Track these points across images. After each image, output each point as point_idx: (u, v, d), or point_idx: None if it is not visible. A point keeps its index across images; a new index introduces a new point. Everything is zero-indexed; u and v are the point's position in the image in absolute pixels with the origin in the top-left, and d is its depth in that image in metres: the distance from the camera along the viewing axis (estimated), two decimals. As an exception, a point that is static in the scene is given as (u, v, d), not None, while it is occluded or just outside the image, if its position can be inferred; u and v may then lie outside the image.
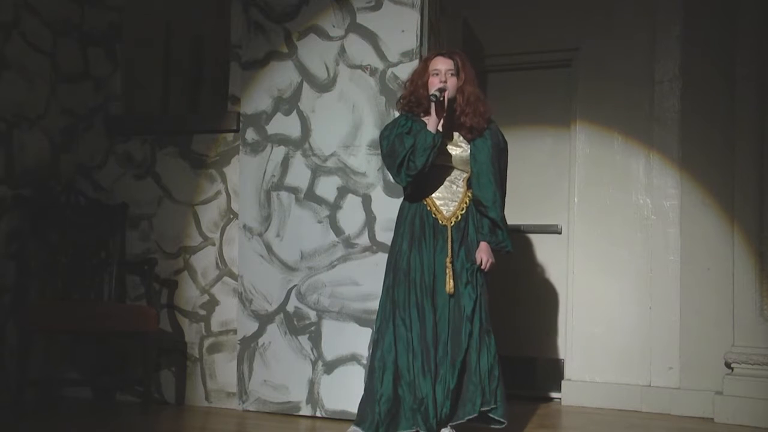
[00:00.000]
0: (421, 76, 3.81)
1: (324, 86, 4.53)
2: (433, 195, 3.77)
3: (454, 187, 3.79)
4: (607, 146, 5.29)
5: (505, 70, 5.75)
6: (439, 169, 3.74)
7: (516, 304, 5.57)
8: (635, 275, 5.15)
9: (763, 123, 4.76)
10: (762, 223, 4.73)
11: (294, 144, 4.57)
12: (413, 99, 3.82)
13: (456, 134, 3.79)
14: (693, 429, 4.50)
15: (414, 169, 3.65)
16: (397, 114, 4.03)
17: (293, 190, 4.56)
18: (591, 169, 5.32)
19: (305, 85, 4.57)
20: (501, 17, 5.62)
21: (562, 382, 5.29)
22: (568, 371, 5.28)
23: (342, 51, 4.50)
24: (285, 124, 4.60)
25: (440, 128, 3.66)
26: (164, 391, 4.83)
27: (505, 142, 3.90)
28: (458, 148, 3.78)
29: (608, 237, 5.24)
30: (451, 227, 3.74)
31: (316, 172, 4.52)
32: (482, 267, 3.70)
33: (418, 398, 3.60)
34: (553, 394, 5.42)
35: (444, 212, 3.76)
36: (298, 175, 4.55)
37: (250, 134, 4.66)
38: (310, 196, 4.52)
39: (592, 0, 5.39)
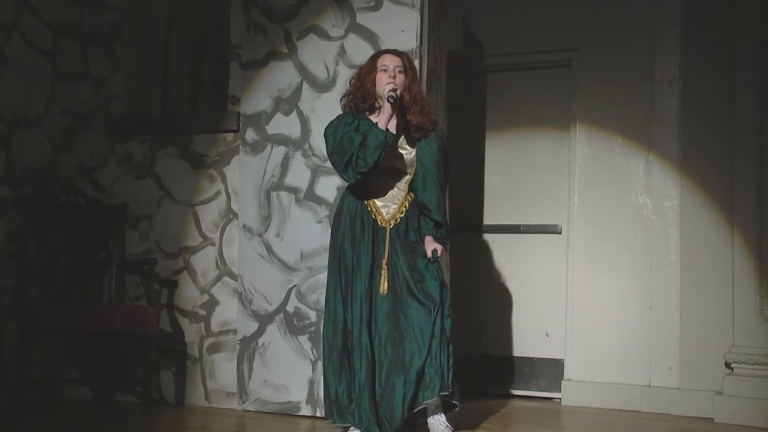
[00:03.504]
0: (369, 72, 3.82)
1: (324, 86, 4.53)
2: (374, 196, 3.79)
3: (396, 190, 3.81)
4: (606, 146, 5.29)
5: (505, 70, 5.75)
6: (382, 170, 3.74)
7: (516, 304, 5.57)
8: (635, 275, 5.15)
9: (763, 123, 4.76)
10: (762, 223, 4.73)
11: (294, 144, 4.57)
12: (359, 95, 3.82)
13: (401, 136, 3.81)
14: (693, 429, 4.50)
15: (365, 166, 3.64)
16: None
17: (293, 190, 4.56)
18: (591, 169, 5.32)
19: (305, 85, 4.57)
20: (501, 17, 5.63)
21: (562, 382, 5.28)
22: (568, 371, 5.28)
23: (342, 51, 4.50)
24: (285, 124, 4.60)
25: (391, 128, 3.66)
26: (164, 391, 4.83)
27: (448, 143, 3.94)
28: (403, 150, 3.80)
29: (608, 237, 5.24)
30: (390, 229, 3.76)
31: (316, 172, 4.52)
32: (439, 255, 3.73)
33: (354, 399, 3.68)
34: (553, 394, 5.42)
35: (384, 214, 3.78)
36: (298, 175, 4.55)
37: (250, 134, 4.66)
38: (309, 196, 4.53)
39: (592, 0, 5.40)
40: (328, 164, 4.48)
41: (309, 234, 4.50)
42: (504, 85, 5.75)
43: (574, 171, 5.36)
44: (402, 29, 4.37)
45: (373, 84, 3.78)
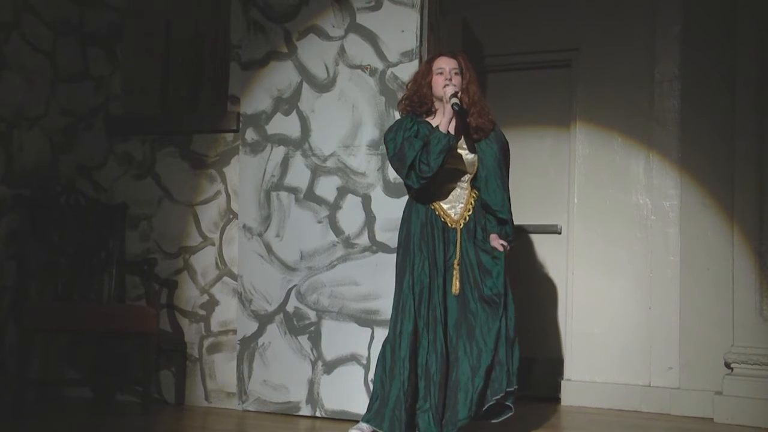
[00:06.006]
0: (424, 76, 3.81)
1: (324, 86, 4.53)
2: (439, 199, 3.78)
3: (458, 189, 3.80)
4: (607, 146, 5.29)
5: (505, 70, 5.75)
6: (443, 172, 3.72)
7: (516, 304, 5.55)
8: (635, 275, 5.15)
9: (762, 123, 4.76)
10: (761, 222, 4.73)
11: (294, 144, 4.57)
12: (416, 99, 3.81)
13: (461, 137, 3.79)
14: (693, 429, 4.50)
15: (429, 171, 3.64)
16: (398, 115, 4.02)
17: (293, 190, 4.56)
18: (591, 170, 5.32)
19: (305, 85, 4.57)
20: (501, 17, 5.63)
21: (562, 382, 5.29)
22: (568, 371, 5.28)
23: (342, 51, 4.50)
24: (285, 124, 4.60)
25: (451, 130, 3.66)
26: (164, 391, 4.83)
27: (507, 142, 3.92)
28: (462, 150, 3.78)
29: (608, 237, 5.24)
30: (461, 229, 3.76)
31: (316, 172, 4.52)
32: (505, 251, 3.76)
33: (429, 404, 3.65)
34: (553, 394, 5.42)
35: (452, 215, 3.77)
36: (298, 175, 4.55)
37: (250, 134, 4.66)
38: (309, 196, 4.52)
39: (592, 0, 5.40)
40: (328, 164, 4.50)
41: (309, 234, 4.50)
42: (504, 85, 5.75)
43: (574, 171, 5.36)
44: (402, 29, 4.37)
45: (430, 87, 3.77)
